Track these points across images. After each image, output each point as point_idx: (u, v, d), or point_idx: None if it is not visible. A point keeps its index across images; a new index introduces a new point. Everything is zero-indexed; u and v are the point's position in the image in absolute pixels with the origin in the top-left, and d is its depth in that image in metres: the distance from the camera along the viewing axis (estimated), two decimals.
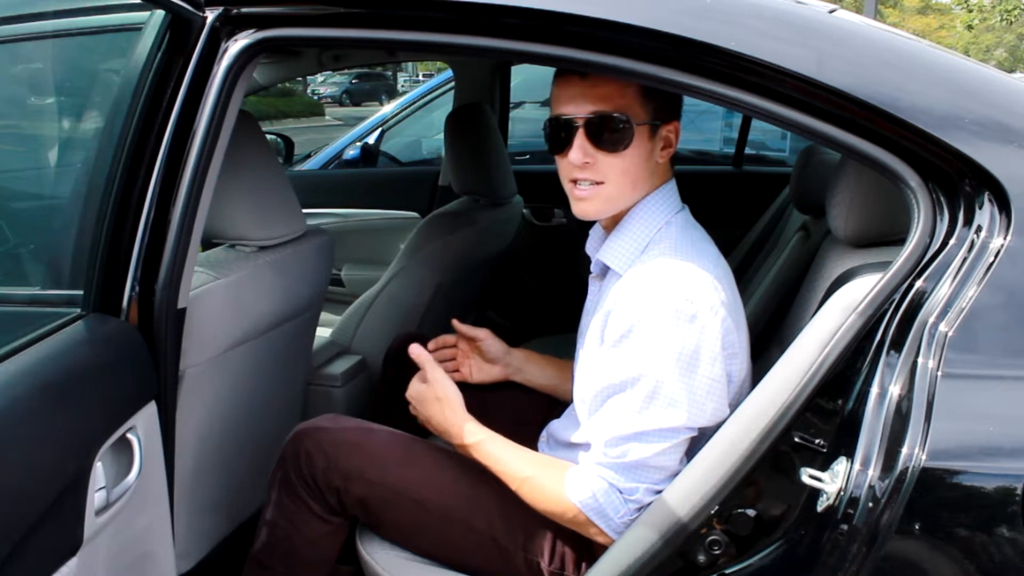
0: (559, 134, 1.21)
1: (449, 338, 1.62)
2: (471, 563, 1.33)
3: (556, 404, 1.65)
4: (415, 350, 1.35)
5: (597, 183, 1.21)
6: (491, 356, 1.60)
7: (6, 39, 1.44)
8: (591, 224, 1.36)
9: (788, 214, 2.22)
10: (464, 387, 1.62)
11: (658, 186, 1.25)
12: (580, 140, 1.18)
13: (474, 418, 1.31)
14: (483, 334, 1.60)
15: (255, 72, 1.37)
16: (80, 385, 1.02)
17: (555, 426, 1.46)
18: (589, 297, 1.39)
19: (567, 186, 1.24)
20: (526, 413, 1.62)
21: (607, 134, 1.18)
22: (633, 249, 1.23)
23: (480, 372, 1.61)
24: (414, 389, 1.36)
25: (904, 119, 1.00)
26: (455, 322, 1.61)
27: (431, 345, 1.60)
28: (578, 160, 1.19)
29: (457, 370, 1.61)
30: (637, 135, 1.18)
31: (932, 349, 0.95)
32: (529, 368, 1.62)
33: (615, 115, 1.17)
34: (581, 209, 1.24)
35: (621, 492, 1.15)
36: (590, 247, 1.36)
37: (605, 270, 1.30)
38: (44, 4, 1.42)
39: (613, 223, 1.27)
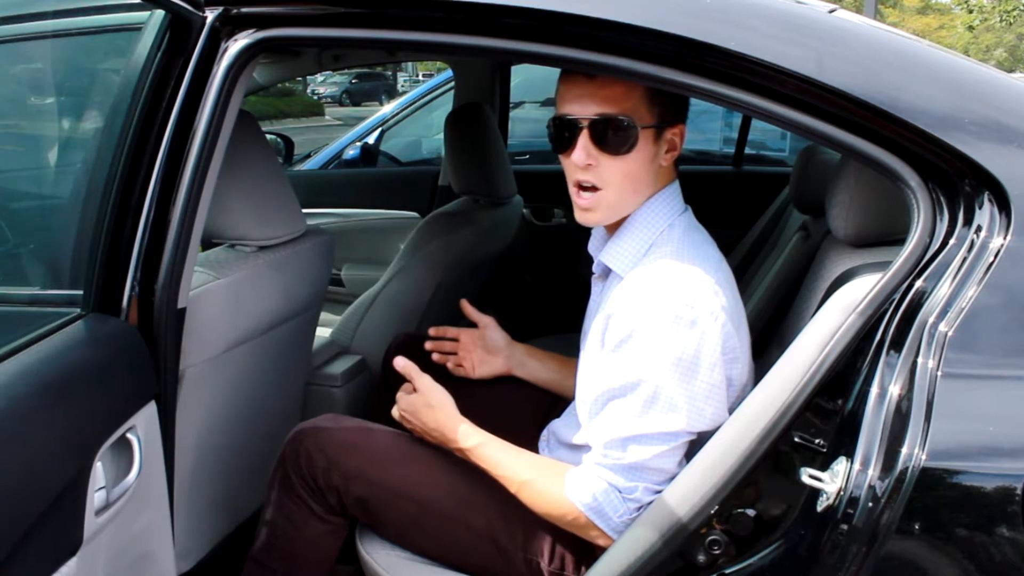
0: (563, 134, 1.20)
1: (451, 330, 1.62)
2: (471, 563, 1.33)
3: (557, 404, 1.64)
4: (399, 362, 1.35)
5: (598, 189, 1.20)
6: (493, 346, 1.60)
7: (6, 39, 1.44)
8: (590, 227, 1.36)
9: (788, 214, 2.22)
10: (464, 385, 1.62)
11: (661, 188, 1.25)
12: (584, 141, 1.18)
13: (470, 421, 1.30)
14: (488, 320, 1.60)
15: (255, 72, 1.37)
16: (80, 385, 1.02)
17: (556, 425, 1.47)
18: (592, 298, 1.39)
19: (572, 190, 1.24)
20: (526, 413, 1.62)
21: (611, 136, 1.17)
22: (635, 252, 1.23)
23: (483, 366, 1.61)
24: (404, 402, 1.35)
25: (904, 119, 1.00)
26: (464, 302, 1.61)
27: (432, 332, 1.61)
28: (581, 161, 1.18)
29: (460, 365, 1.61)
30: (642, 138, 1.18)
31: (932, 349, 0.95)
32: (531, 363, 1.62)
33: (620, 117, 1.16)
34: (584, 218, 1.24)
35: (620, 491, 1.15)
36: (592, 247, 1.36)
37: (607, 271, 1.30)
38: (44, 4, 1.42)
39: (616, 224, 1.27)
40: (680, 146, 1.25)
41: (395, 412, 1.38)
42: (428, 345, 1.60)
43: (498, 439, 1.28)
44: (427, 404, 1.32)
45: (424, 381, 1.33)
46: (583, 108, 1.17)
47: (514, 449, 1.27)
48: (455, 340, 1.62)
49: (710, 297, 1.13)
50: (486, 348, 1.61)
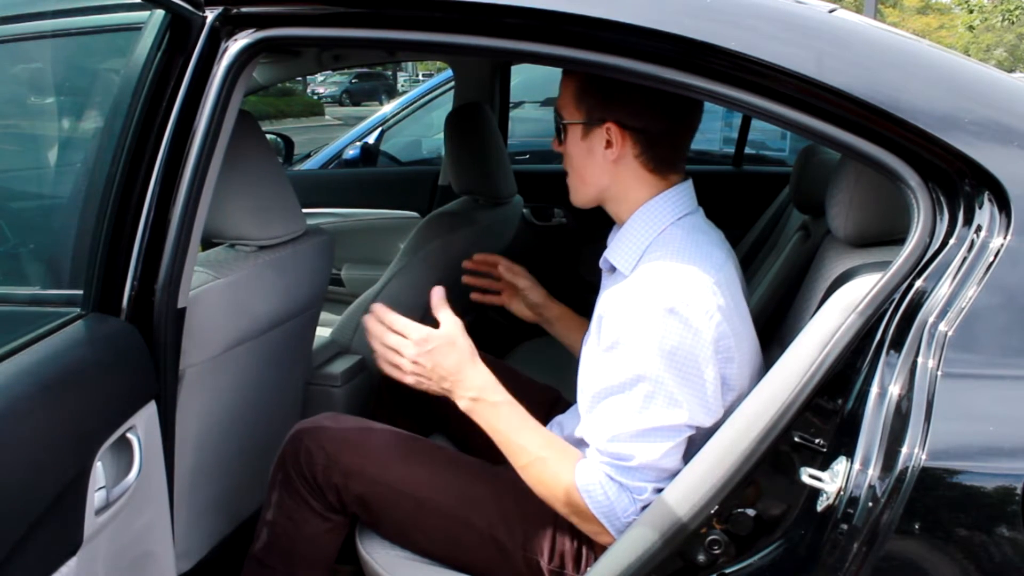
0: None
1: (491, 259, 1.66)
2: (471, 562, 1.33)
3: (556, 406, 1.65)
4: (436, 292, 1.27)
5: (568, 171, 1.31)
6: (531, 303, 1.65)
7: (6, 39, 1.44)
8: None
9: (788, 214, 2.22)
10: None
11: (664, 190, 1.25)
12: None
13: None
14: (524, 284, 1.64)
15: (255, 72, 1.37)
16: (80, 385, 1.02)
17: (562, 420, 1.47)
18: (600, 292, 1.39)
19: None
20: (528, 410, 1.62)
21: (557, 127, 1.28)
22: (634, 249, 1.23)
23: (521, 310, 1.66)
24: (418, 332, 1.22)
25: (904, 119, 1.00)
26: (501, 266, 1.64)
27: (477, 258, 1.67)
28: (553, 146, 1.31)
29: (499, 293, 1.66)
30: (569, 133, 1.26)
31: (932, 349, 0.95)
32: (558, 327, 1.66)
33: (557, 112, 1.27)
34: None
35: (630, 491, 1.15)
36: (608, 241, 1.36)
37: (613, 266, 1.30)
38: (44, 4, 1.42)
39: (622, 223, 1.28)
40: (619, 144, 1.22)
41: (404, 346, 1.23)
42: (477, 258, 1.66)
43: (520, 406, 1.24)
44: (450, 342, 1.22)
45: (449, 316, 1.23)
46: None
47: (534, 421, 1.24)
48: (496, 278, 1.66)
49: (706, 296, 1.13)
50: (527, 303, 1.66)
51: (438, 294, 1.27)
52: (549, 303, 1.64)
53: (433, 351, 1.22)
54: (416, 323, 1.24)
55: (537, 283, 1.65)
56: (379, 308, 1.26)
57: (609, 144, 1.23)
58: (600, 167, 1.25)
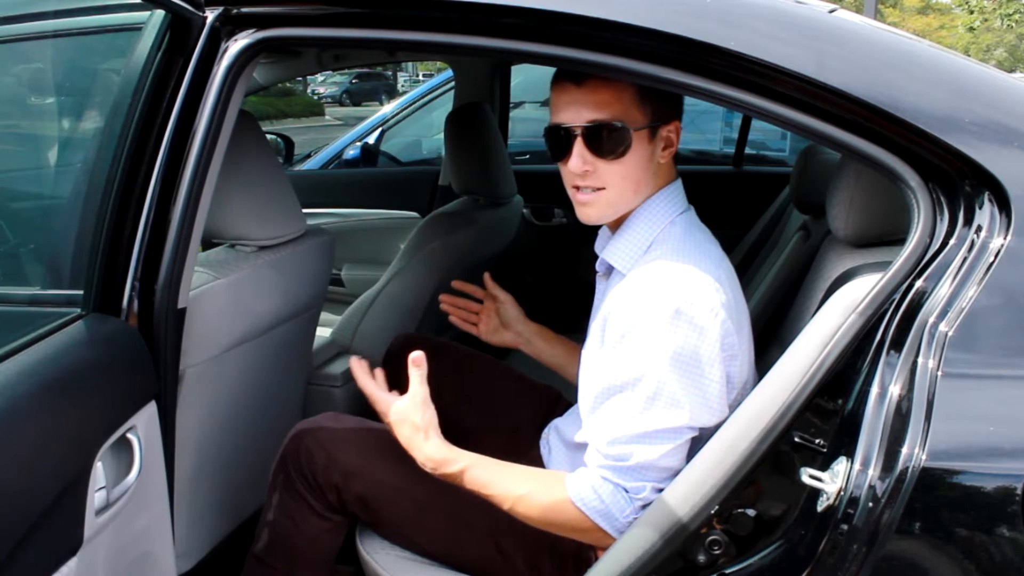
0: (558, 142, 1.20)
1: (477, 290, 1.64)
2: (471, 562, 1.33)
3: (558, 404, 1.65)
4: (415, 355, 1.26)
5: (598, 189, 1.20)
6: (506, 320, 1.62)
7: (6, 39, 1.44)
8: (590, 224, 1.36)
9: (788, 214, 2.22)
10: (465, 385, 1.62)
11: (662, 186, 1.24)
12: (579, 149, 1.18)
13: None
14: (506, 297, 1.62)
15: (255, 72, 1.37)
16: (80, 385, 1.02)
17: (559, 423, 1.46)
18: (596, 296, 1.39)
19: (570, 191, 1.23)
20: (527, 413, 1.62)
21: (606, 142, 1.17)
22: (636, 249, 1.23)
23: (493, 334, 1.63)
24: (378, 404, 1.29)
25: (904, 119, 1.00)
26: (487, 277, 1.62)
27: (454, 285, 1.64)
28: (578, 169, 1.18)
29: (475, 324, 1.63)
30: (636, 140, 1.17)
31: (932, 349, 0.95)
32: (538, 342, 1.63)
33: (613, 122, 1.16)
34: (584, 214, 1.23)
35: (628, 492, 1.14)
36: (598, 245, 1.35)
37: (610, 269, 1.30)
38: (44, 4, 1.42)
39: (618, 223, 1.27)
40: (676, 142, 1.24)
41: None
42: (444, 297, 1.63)
43: (482, 457, 1.23)
44: (402, 419, 1.25)
45: (414, 384, 1.25)
46: (576, 115, 1.17)
47: (501, 464, 1.23)
48: (479, 301, 1.64)
49: (711, 293, 1.13)
50: (501, 320, 1.63)
51: (418, 359, 1.25)
52: (526, 320, 1.63)
53: (390, 423, 1.27)
54: (377, 393, 1.29)
55: (516, 303, 1.63)
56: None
57: (668, 144, 1.21)
58: (652, 172, 1.22)
